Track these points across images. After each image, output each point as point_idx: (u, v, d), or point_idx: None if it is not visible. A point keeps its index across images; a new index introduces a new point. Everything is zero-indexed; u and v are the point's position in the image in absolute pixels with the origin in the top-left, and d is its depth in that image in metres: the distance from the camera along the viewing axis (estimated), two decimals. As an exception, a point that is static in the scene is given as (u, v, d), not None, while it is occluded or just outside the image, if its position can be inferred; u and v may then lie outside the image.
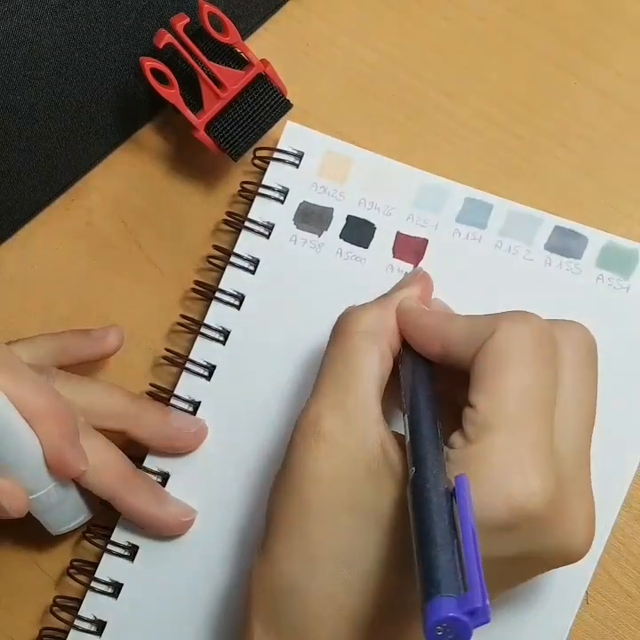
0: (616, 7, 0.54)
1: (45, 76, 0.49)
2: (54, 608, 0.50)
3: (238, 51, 0.52)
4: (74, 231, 0.55)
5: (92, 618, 0.50)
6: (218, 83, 0.51)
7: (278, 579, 0.42)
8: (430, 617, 0.33)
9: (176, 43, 0.50)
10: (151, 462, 0.50)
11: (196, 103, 0.52)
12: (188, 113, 0.51)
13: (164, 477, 0.50)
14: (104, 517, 0.50)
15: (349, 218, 0.52)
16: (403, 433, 0.42)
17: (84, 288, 0.54)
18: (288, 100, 0.52)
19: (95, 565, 0.50)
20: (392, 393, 0.44)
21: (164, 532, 0.49)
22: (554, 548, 0.40)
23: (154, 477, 0.50)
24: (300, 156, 0.52)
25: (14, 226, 0.55)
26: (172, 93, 0.51)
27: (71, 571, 0.51)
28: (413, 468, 0.39)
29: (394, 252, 0.51)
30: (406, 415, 0.42)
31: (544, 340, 0.41)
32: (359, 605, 0.41)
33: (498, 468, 0.38)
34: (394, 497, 0.41)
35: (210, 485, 0.50)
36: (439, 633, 0.33)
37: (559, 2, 0.54)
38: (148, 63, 0.50)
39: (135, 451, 0.50)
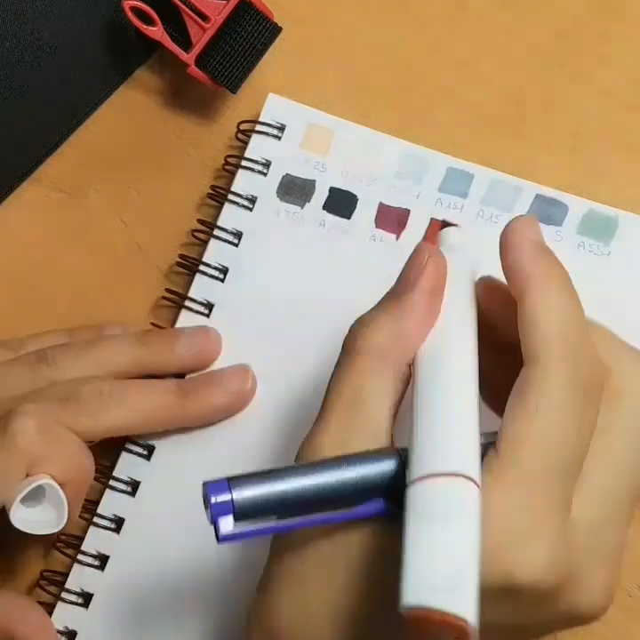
0: (616, 6, 0.54)
1: (31, 20, 0.50)
2: (41, 582, 0.51)
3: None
4: (74, 231, 0.55)
5: (78, 590, 0.50)
6: (201, 15, 0.52)
7: (276, 621, 0.39)
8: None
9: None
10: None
11: (185, 41, 0.52)
12: (175, 49, 0.52)
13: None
14: (89, 493, 0.50)
15: (332, 189, 0.52)
16: None
17: (84, 288, 0.54)
18: (276, 24, 0.53)
19: (81, 539, 0.50)
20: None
21: (241, 408, 0.50)
22: (562, 615, 0.37)
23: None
24: (282, 128, 0.53)
25: (11, 184, 0.55)
26: (155, 31, 0.52)
27: (58, 544, 0.51)
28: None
29: (376, 223, 0.51)
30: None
31: (589, 388, 0.37)
32: None
33: (502, 528, 0.34)
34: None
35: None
36: None
37: (560, 1, 0.54)
38: (129, 2, 0.51)
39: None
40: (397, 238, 0.51)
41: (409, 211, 0.51)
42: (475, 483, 0.34)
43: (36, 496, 0.45)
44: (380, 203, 0.51)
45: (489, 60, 0.54)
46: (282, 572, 0.39)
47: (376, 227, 0.51)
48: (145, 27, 0.52)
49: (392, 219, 0.51)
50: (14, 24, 0.50)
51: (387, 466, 0.37)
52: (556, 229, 0.50)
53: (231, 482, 0.36)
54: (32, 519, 0.45)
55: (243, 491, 0.36)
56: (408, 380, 0.39)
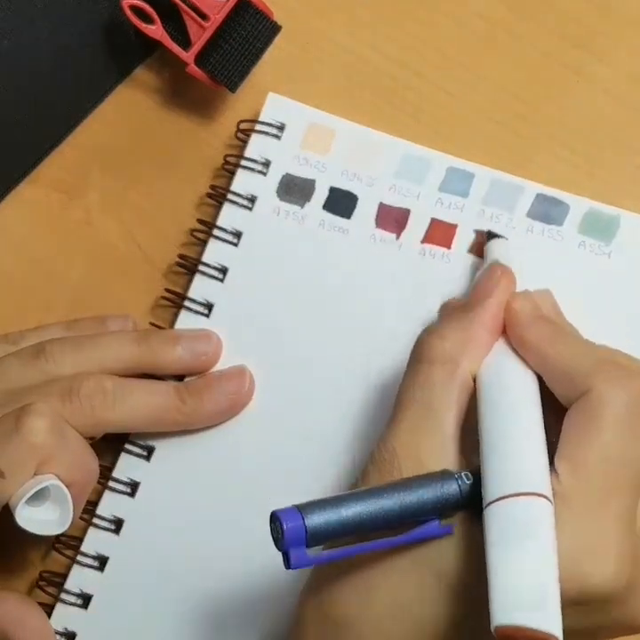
0: (618, 5, 0.54)
1: (30, 19, 0.50)
2: (41, 583, 0.50)
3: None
4: (74, 231, 0.55)
5: (78, 591, 0.50)
6: (200, 14, 0.52)
7: (332, 607, 0.41)
8: None
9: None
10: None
11: (184, 40, 0.52)
12: (174, 47, 0.52)
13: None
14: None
15: (332, 189, 0.52)
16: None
17: (84, 288, 0.54)
18: (275, 23, 0.53)
19: (80, 540, 0.50)
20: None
21: (240, 410, 0.50)
22: (621, 621, 0.39)
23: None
24: (282, 127, 0.53)
25: (11, 184, 0.55)
26: (154, 30, 0.52)
27: (57, 545, 0.51)
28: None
29: (376, 223, 0.51)
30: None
31: None
32: None
33: (572, 545, 0.37)
34: (457, 551, 0.39)
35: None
36: None
37: (561, 1, 0.54)
38: (128, 1, 0.51)
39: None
40: (397, 238, 0.51)
41: (409, 211, 0.51)
42: (549, 500, 0.36)
43: (39, 495, 0.45)
44: (381, 202, 0.51)
45: (489, 59, 0.54)
46: (346, 566, 0.40)
47: (376, 226, 0.51)
48: (144, 25, 0.52)
49: (392, 218, 0.51)
50: (13, 23, 0.50)
51: (446, 489, 0.38)
52: (556, 229, 0.50)
53: (302, 509, 0.37)
54: (37, 519, 0.45)
55: (314, 517, 0.37)
56: (472, 391, 0.41)
